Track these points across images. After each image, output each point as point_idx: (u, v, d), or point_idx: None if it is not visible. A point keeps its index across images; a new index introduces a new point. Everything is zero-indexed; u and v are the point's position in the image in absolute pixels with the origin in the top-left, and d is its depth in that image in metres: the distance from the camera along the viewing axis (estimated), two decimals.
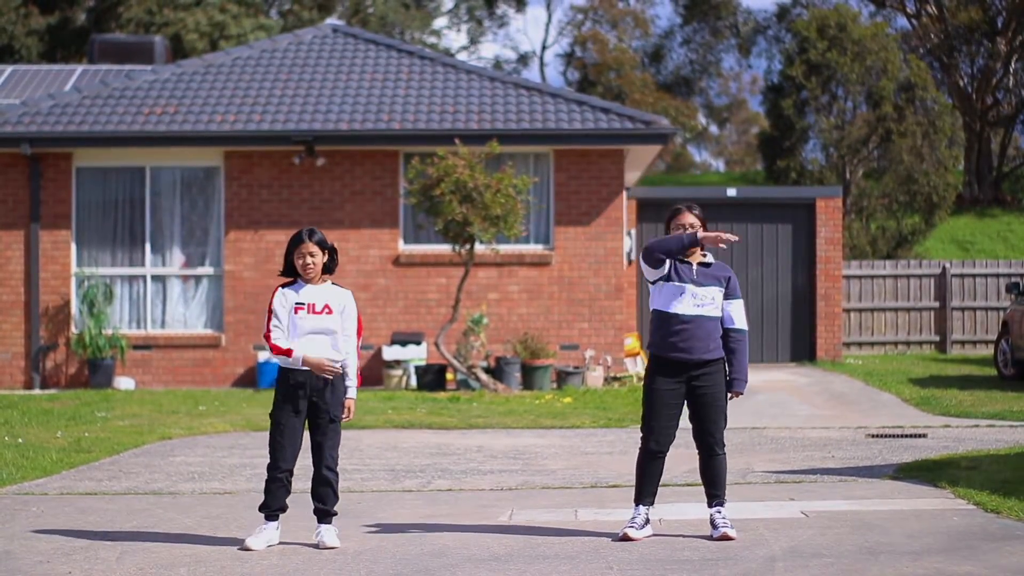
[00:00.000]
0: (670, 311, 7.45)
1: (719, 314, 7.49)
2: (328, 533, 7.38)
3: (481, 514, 8.46)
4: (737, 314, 7.54)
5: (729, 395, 7.55)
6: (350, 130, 18.68)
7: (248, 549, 7.27)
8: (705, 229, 7.56)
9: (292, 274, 7.46)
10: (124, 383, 18.38)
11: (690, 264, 7.51)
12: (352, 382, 7.53)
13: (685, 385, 7.44)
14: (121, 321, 18.92)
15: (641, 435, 7.54)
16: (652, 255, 7.42)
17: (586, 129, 18.65)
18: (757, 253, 21.34)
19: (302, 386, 7.38)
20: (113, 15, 37.98)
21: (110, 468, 10.95)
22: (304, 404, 7.38)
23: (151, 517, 8.49)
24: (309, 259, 7.38)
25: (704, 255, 7.58)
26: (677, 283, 7.44)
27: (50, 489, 9.74)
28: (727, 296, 7.53)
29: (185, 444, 12.64)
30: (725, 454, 7.56)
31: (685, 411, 7.55)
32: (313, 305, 7.38)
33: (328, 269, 7.49)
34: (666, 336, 7.44)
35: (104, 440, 12.57)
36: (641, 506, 7.52)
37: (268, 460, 7.46)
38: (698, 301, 7.42)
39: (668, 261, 7.45)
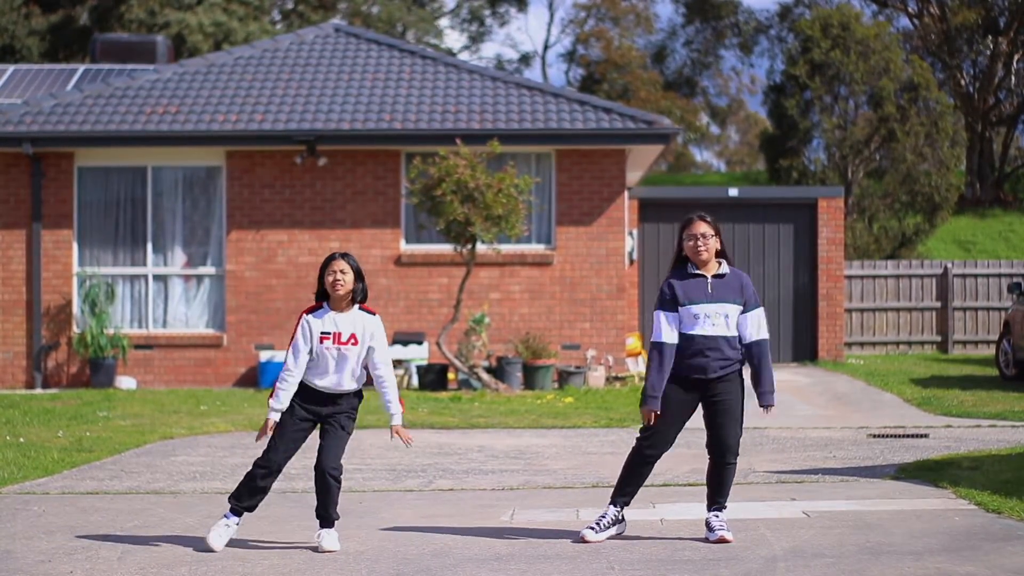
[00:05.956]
0: (686, 333, 7.28)
1: (735, 332, 7.31)
2: (327, 537, 7.31)
3: (482, 514, 8.46)
4: (755, 325, 7.33)
5: (763, 410, 7.44)
6: (352, 130, 18.68)
7: (211, 549, 7.23)
8: (719, 236, 7.39)
9: (324, 297, 7.37)
10: (126, 383, 18.39)
11: (704, 277, 7.33)
12: (394, 407, 7.38)
13: (700, 398, 7.36)
14: (123, 321, 18.93)
15: (638, 435, 7.43)
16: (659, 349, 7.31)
17: (588, 129, 18.64)
18: (759, 253, 21.33)
19: (311, 400, 7.35)
20: (115, 15, 37.99)
21: (112, 467, 10.95)
22: (310, 414, 7.34)
23: (152, 516, 8.49)
24: (340, 275, 7.24)
25: (720, 263, 7.38)
26: (691, 307, 7.26)
27: (51, 488, 9.75)
28: (746, 308, 7.33)
29: (186, 444, 12.64)
30: (736, 464, 7.47)
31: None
32: (339, 335, 7.29)
33: (358, 296, 7.37)
34: (682, 357, 7.29)
35: (106, 440, 12.58)
36: (613, 506, 7.45)
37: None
38: (713, 320, 7.25)
39: (678, 293, 7.28)
